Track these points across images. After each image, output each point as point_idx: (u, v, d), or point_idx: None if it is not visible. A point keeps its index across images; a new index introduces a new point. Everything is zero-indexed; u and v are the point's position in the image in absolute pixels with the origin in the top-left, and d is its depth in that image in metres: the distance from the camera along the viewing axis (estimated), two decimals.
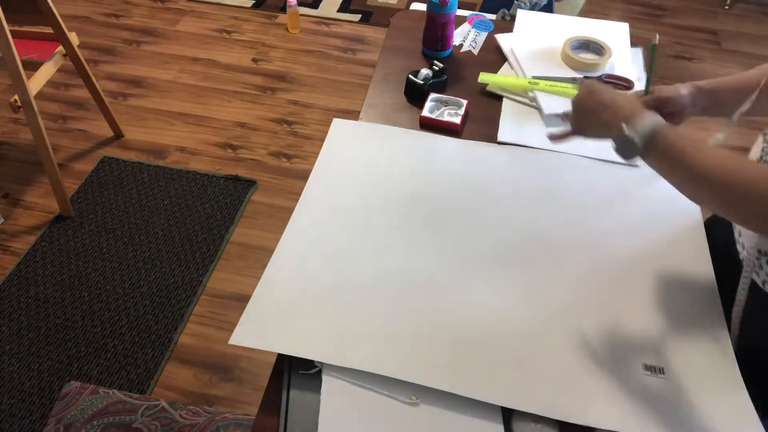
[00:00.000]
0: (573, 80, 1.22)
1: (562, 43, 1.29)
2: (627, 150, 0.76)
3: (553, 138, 0.95)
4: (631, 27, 1.39)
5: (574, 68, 1.26)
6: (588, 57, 1.28)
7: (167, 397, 1.59)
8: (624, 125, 0.75)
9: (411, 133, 1.15)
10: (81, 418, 1.51)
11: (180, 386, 1.63)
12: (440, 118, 1.17)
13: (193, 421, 1.52)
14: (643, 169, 1.09)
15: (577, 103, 0.87)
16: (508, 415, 0.75)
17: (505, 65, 1.32)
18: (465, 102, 1.19)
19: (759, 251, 0.82)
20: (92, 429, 1.49)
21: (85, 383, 1.59)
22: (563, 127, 0.93)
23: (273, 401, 0.77)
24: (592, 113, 0.83)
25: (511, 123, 1.18)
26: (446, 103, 1.20)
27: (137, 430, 1.49)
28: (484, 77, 1.25)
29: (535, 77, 1.23)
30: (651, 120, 0.75)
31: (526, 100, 1.22)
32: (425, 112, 1.17)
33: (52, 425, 1.50)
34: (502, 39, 1.36)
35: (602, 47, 1.28)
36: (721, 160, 0.69)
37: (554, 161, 1.10)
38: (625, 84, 1.21)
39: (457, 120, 1.16)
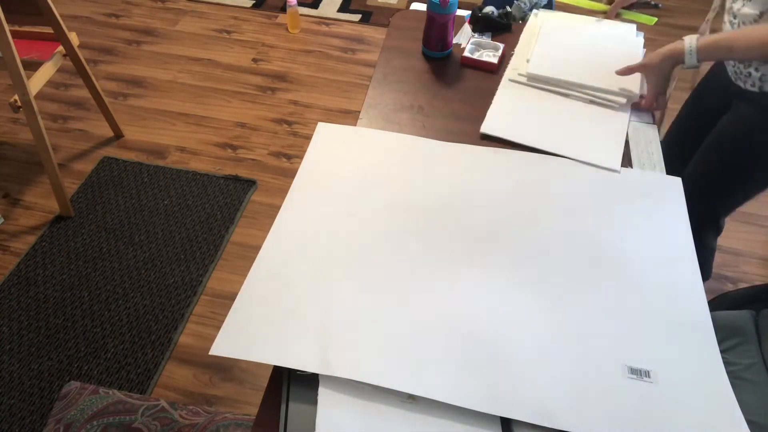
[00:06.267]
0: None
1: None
2: (690, 66, 1.13)
3: (622, 72, 1.22)
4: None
5: None
6: None
7: (167, 397, 1.59)
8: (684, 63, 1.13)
9: (396, 136, 1.14)
10: (81, 418, 1.50)
11: (180, 386, 1.63)
12: (480, 59, 1.32)
13: (193, 421, 1.52)
14: (627, 172, 1.09)
15: (650, 66, 1.18)
16: (507, 419, 0.75)
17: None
18: (502, 45, 1.35)
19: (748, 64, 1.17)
20: (92, 429, 1.49)
21: (85, 383, 1.59)
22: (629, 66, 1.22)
23: (273, 401, 0.77)
24: (663, 67, 1.16)
25: (499, 116, 1.19)
26: (484, 47, 1.37)
27: (137, 430, 1.49)
28: None
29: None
30: (688, 43, 1.11)
31: (523, 80, 1.25)
32: (466, 53, 1.33)
33: (52, 425, 1.50)
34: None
35: None
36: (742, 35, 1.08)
37: (538, 162, 1.10)
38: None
39: (495, 60, 1.32)
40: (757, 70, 1.17)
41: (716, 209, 1.42)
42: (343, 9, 3.06)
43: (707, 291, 0.91)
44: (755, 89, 1.20)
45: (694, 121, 1.44)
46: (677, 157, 1.45)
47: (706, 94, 1.41)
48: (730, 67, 1.26)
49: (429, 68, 1.33)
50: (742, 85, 1.23)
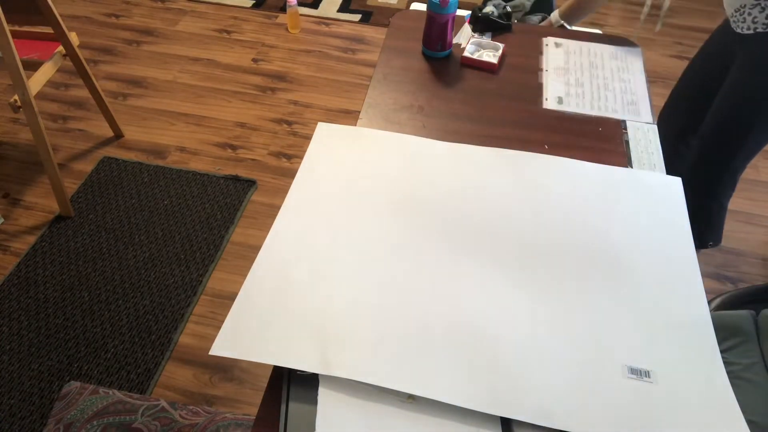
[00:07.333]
0: None
1: None
2: None
3: None
4: (630, 27, 1.40)
5: None
6: None
7: (167, 397, 1.59)
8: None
9: (396, 136, 1.14)
10: (81, 418, 1.51)
11: (180, 386, 1.63)
12: (480, 59, 1.32)
13: (193, 421, 1.52)
14: (627, 172, 1.09)
15: None
16: (507, 419, 0.75)
17: None
18: (502, 46, 1.35)
19: (735, 10, 1.31)
20: (92, 429, 1.49)
21: (85, 383, 1.59)
22: None
23: (273, 401, 0.77)
24: None
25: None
26: (484, 47, 1.37)
27: (137, 430, 1.49)
28: None
29: None
30: None
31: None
32: (466, 53, 1.33)
33: (52, 425, 1.50)
34: None
35: None
36: None
37: (538, 162, 1.09)
38: None
39: (495, 60, 1.32)
40: (749, 14, 1.29)
41: (734, 163, 1.47)
42: (343, 9, 3.06)
43: (707, 291, 0.91)
44: (750, 32, 1.30)
45: (703, 77, 1.53)
46: (683, 113, 1.54)
47: (712, 52, 1.51)
48: (730, 16, 1.36)
49: (429, 68, 1.33)
50: (740, 31, 1.33)
